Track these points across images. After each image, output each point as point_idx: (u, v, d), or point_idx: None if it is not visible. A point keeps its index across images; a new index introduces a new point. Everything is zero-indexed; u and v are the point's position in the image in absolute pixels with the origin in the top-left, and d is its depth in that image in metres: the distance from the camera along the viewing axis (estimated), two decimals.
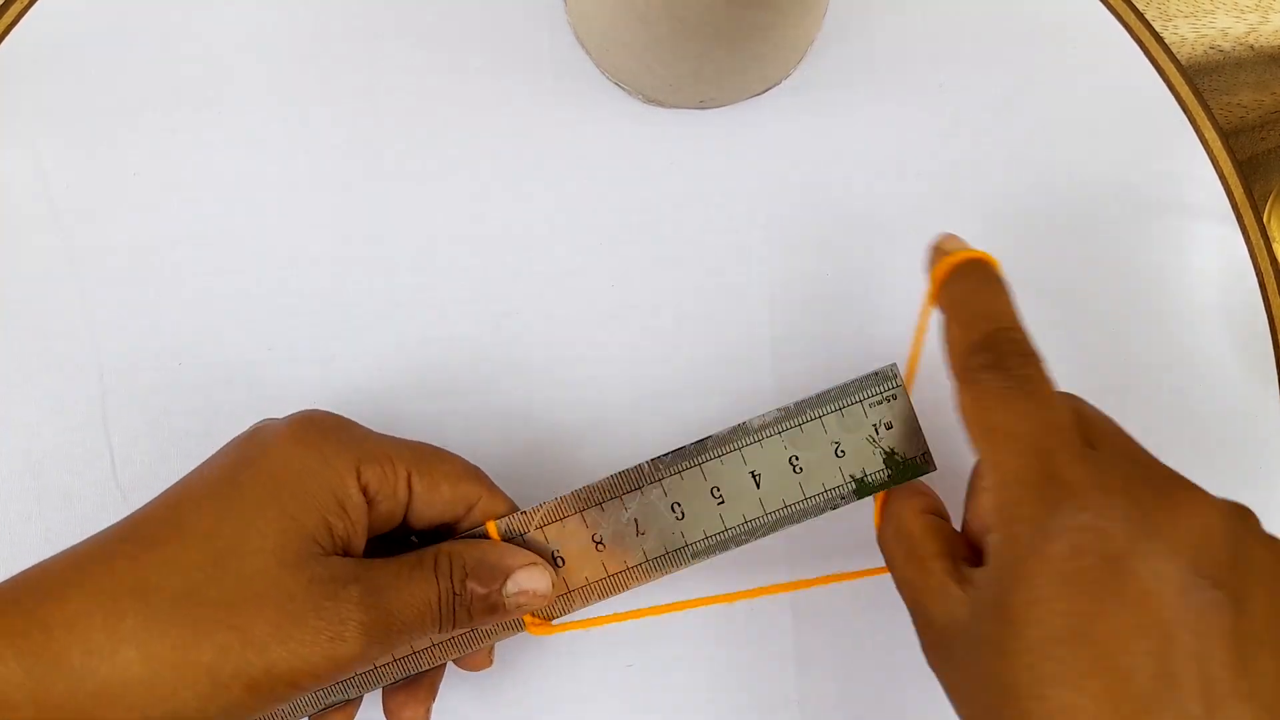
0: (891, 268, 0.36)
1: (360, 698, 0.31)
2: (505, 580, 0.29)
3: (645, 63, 0.34)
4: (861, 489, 0.30)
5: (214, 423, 0.36)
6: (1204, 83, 0.39)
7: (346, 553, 0.28)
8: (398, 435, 0.30)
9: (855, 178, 0.37)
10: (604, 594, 0.30)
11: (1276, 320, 0.36)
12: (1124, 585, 0.24)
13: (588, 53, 0.36)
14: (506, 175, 0.37)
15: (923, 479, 0.31)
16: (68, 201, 0.36)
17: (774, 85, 0.37)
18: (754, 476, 0.30)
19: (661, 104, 0.36)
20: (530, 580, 0.29)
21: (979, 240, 0.36)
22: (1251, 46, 0.39)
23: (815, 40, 0.37)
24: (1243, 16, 0.39)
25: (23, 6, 0.37)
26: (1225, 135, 0.37)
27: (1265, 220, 0.37)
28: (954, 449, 0.35)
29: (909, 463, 0.30)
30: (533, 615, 0.30)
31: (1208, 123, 0.37)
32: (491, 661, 0.32)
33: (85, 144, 0.36)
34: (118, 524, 0.28)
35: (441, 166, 0.37)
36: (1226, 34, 0.39)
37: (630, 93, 0.36)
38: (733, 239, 0.36)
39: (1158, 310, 0.36)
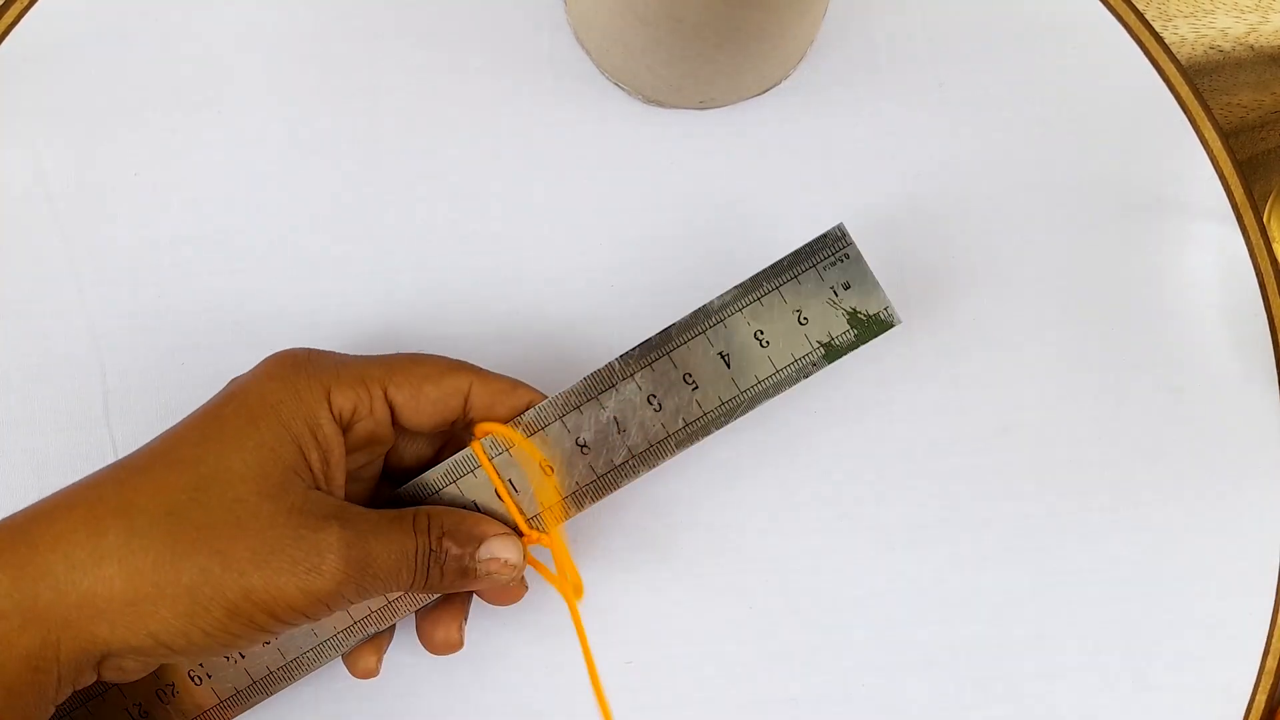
0: (889, 263, 0.36)
1: (391, 630, 0.31)
2: (479, 545, 0.29)
3: (645, 63, 0.34)
4: (830, 352, 0.31)
5: None
6: (1204, 83, 0.39)
7: (327, 488, 0.28)
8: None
9: (855, 178, 0.37)
10: (596, 496, 0.31)
11: (1276, 320, 0.36)
12: None
13: (588, 53, 0.36)
14: (506, 176, 0.37)
15: None
16: (68, 201, 0.36)
17: (774, 86, 0.37)
18: (723, 357, 0.31)
19: (661, 104, 0.36)
20: (502, 549, 0.30)
21: (979, 238, 0.36)
22: (1251, 46, 0.39)
23: (815, 41, 0.37)
24: (1243, 16, 0.39)
25: (23, 6, 0.37)
26: (1225, 135, 0.37)
27: (1265, 220, 0.37)
28: (913, 302, 0.35)
29: (873, 319, 0.31)
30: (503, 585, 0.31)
31: (1208, 123, 0.37)
32: (525, 589, 0.32)
33: (86, 144, 0.36)
34: (113, 461, 0.29)
35: (441, 167, 0.37)
36: (1226, 34, 0.39)
37: (630, 93, 0.36)
38: (732, 239, 0.36)
39: (1157, 310, 0.36)
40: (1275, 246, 0.37)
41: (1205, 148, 0.37)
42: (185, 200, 0.36)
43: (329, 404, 0.29)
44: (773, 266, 0.30)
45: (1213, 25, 0.39)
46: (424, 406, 0.30)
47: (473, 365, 0.31)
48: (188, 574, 0.26)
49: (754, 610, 0.35)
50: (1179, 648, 0.35)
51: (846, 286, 0.30)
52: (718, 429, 0.31)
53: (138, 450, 0.29)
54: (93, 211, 0.36)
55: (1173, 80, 0.37)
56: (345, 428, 0.29)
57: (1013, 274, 0.37)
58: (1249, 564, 0.35)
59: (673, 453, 0.31)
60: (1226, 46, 0.39)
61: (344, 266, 0.36)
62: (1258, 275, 0.37)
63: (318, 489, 0.28)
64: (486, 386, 0.30)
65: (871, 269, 0.30)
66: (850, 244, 0.30)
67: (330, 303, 0.36)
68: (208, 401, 0.29)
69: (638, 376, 0.31)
